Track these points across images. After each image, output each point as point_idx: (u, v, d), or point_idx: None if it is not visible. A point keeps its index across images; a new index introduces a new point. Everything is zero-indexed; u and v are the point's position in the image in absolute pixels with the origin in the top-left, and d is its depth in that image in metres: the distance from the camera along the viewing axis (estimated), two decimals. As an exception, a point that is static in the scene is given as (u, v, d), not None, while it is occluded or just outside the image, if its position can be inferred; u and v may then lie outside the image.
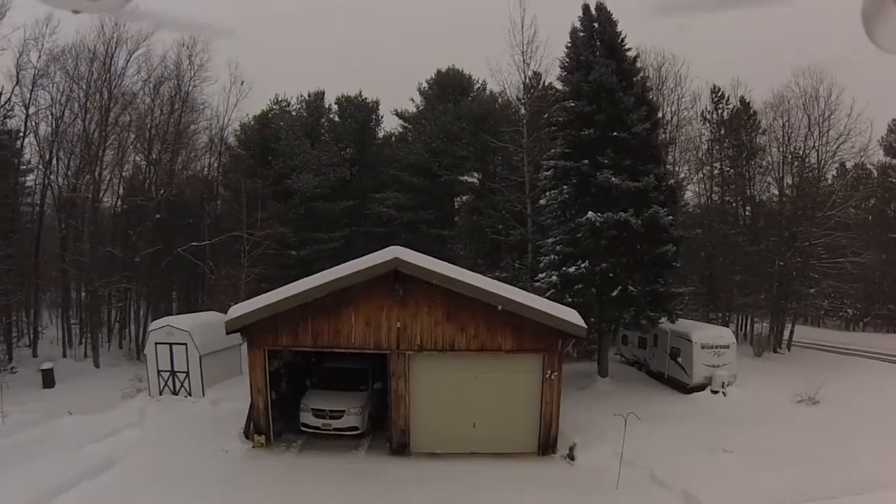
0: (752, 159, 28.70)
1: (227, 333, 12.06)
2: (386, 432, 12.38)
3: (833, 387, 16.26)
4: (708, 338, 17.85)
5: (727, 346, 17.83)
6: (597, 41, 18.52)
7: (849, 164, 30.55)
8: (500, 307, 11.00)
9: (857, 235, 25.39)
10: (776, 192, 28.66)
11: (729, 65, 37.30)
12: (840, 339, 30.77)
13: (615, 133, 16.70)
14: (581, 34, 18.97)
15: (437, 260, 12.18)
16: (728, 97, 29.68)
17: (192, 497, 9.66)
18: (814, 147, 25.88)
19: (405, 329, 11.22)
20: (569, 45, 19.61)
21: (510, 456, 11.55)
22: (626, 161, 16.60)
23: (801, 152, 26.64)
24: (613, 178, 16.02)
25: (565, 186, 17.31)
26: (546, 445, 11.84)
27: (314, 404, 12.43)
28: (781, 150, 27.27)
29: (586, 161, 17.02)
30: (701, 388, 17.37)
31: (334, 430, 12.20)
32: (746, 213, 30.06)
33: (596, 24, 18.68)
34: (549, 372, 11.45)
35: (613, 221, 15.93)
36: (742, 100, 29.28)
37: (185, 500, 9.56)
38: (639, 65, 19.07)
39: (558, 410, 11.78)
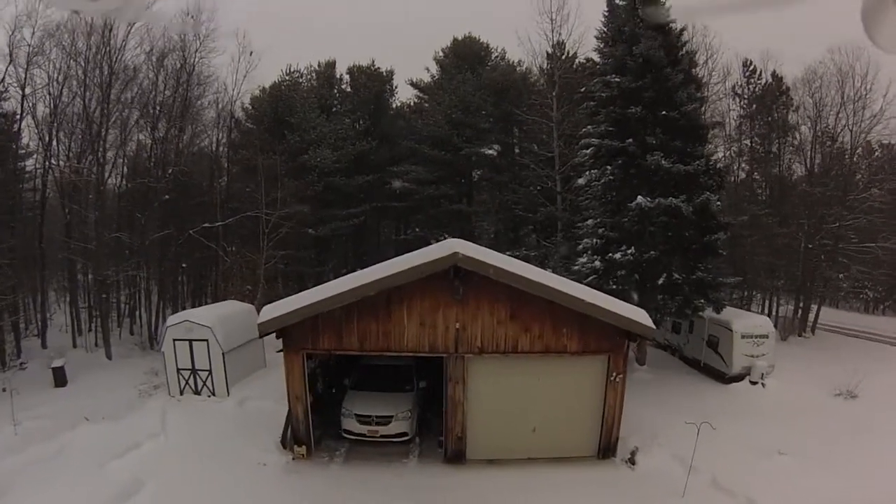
0: (784, 137, 27.58)
1: (261, 336, 11.12)
2: (434, 434, 11.71)
3: (869, 378, 15.81)
4: (748, 327, 17.25)
5: (766, 336, 17.28)
6: (639, 11, 17.21)
7: (874, 145, 29.52)
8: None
9: (887, 220, 24.61)
10: (805, 172, 27.73)
11: (757, 37, 35.53)
12: (863, 322, 30.27)
13: (664, 112, 15.56)
14: (621, 3, 17.69)
15: (497, 253, 11.16)
16: (760, 71, 28.35)
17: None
18: (846, 126, 24.90)
19: (464, 330, 10.29)
20: (606, 13, 18.36)
21: (569, 461, 10.97)
22: (676, 142, 15.50)
23: (833, 131, 25.64)
24: (664, 161, 14.94)
25: (609, 167, 16.22)
26: (606, 449, 11.24)
27: (358, 409, 11.53)
28: (812, 128, 26.21)
29: (631, 141, 15.94)
30: (739, 378, 16.91)
31: (381, 436, 11.36)
32: (775, 192, 29.06)
33: (638, -7, 17.36)
34: (613, 374, 10.66)
35: (664, 207, 14.93)
36: (774, 74, 27.95)
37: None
38: (685, 38, 17.66)
39: (621, 414, 11.08)
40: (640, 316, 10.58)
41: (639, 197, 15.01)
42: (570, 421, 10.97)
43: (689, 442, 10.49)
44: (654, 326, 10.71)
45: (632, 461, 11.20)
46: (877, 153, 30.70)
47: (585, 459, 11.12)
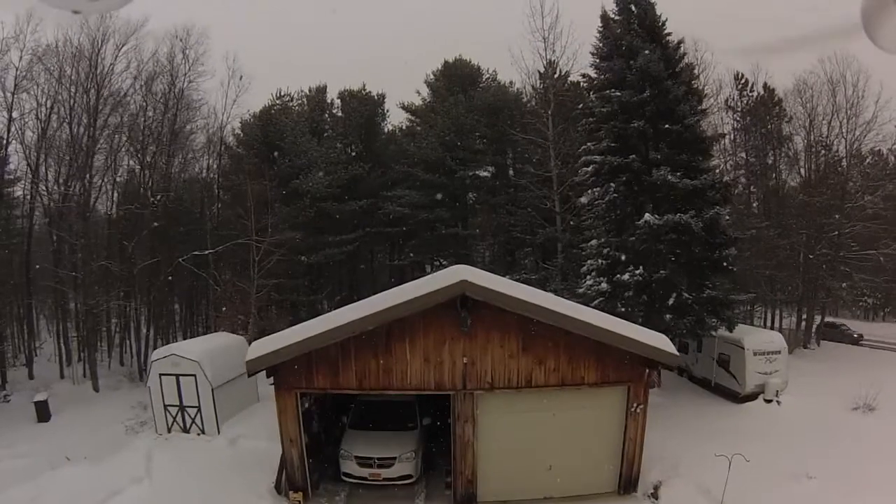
0: (779, 148, 27.43)
1: (250, 375, 10.34)
2: (441, 473, 10.98)
3: (884, 388, 15.25)
4: (760, 344, 16.68)
5: (779, 352, 16.72)
6: (635, 25, 17.02)
7: (864, 151, 29.52)
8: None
9: (888, 226, 24.36)
10: (800, 181, 27.55)
11: (743, 49, 35.70)
12: (865, 330, 29.90)
13: (667, 126, 15.20)
14: (617, 18, 17.49)
15: (506, 280, 10.49)
16: (752, 84, 28.32)
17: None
18: (840, 134, 24.79)
19: (473, 364, 9.55)
20: (601, 29, 18.10)
21: (588, 498, 10.28)
22: (681, 156, 15.10)
23: (826, 140, 25.52)
24: (670, 177, 14.50)
25: (612, 184, 15.76)
26: (628, 484, 10.50)
27: (358, 451, 10.65)
28: (805, 139, 26.09)
29: (634, 156, 15.53)
30: (753, 396, 16.27)
31: (384, 480, 10.50)
32: (772, 204, 28.81)
33: (633, 7, 17.20)
34: (634, 405, 9.97)
35: (672, 224, 14.43)
36: (766, 86, 27.94)
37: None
38: (682, 50, 17.44)
39: (642, 446, 10.37)
40: (663, 343, 9.92)
41: (646, 214, 14.54)
42: (589, 456, 10.26)
43: (711, 471, 9.93)
44: (677, 353, 10.05)
45: (655, 496, 10.54)
46: (868, 160, 30.68)
47: (605, 496, 10.42)
